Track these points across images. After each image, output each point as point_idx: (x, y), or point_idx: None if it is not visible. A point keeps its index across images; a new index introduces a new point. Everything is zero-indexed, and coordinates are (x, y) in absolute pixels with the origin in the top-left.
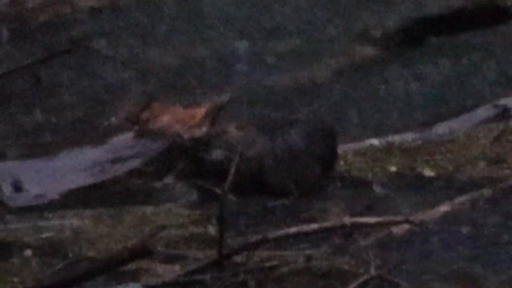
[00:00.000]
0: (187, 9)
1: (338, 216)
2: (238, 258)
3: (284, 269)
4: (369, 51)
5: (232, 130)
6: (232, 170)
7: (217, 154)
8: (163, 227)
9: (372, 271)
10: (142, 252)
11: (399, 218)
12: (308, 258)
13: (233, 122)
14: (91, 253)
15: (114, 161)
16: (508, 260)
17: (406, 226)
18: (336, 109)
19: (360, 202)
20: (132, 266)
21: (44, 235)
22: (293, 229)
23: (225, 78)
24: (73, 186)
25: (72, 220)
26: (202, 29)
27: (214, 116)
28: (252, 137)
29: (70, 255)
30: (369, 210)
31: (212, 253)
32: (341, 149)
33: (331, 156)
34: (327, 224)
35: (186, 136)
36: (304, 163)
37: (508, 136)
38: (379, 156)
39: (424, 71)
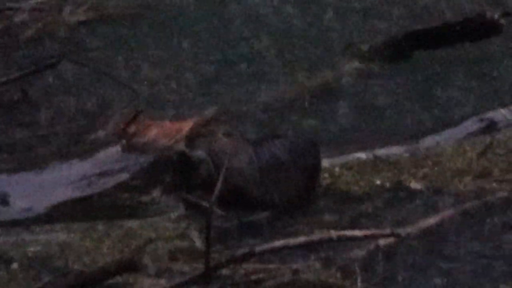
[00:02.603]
0: (179, 21)
1: (324, 230)
2: (224, 272)
3: (271, 282)
4: (356, 64)
5: (220, 135)
6: (219, 184)
7: (201, 154)
8: (150, 241)
9: (359, 284)
10: (129, 265)
11: (385, 231)
12: (295, 271)
13: (221, 128)
14: (78, 267)
15: (101, 174)
16: (495, 274)
17: (392, 239)
18: (321, 123)
19: (347, 215)
20: (119, 280)
21: (31, 249)
22: (279, 243)
23: (210, 95)
24: (60, 199)
25: (59, 234)
26: (191, 45)
27: (200, 130)
28: (238, 147)
29: (57, 269)
30: (355, 223)
31: (198, 267)
32: (327, 162)
33: (315, 169)
34: (313, 237)
35: (173, 150)
36: (288, 175)
37: (495, 150)
38: (366, 170)
39: (411, 84)
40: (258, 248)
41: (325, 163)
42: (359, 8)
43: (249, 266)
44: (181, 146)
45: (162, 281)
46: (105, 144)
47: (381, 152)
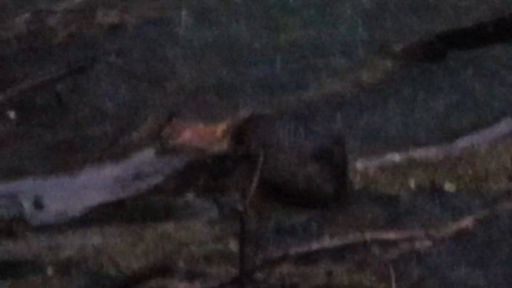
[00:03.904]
0: (206, 26)
1: (359, 232)
2: (259, 275)
3: (306, 285)
4: (389, 64)
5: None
6: (254, 186)
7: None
8: (184, 244)
9: (394, 287)
10: (163, 269)
11: (420, 233)
12: (330, 274)
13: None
14: (112, 271)
15: (135, 177)
16: None
17: (427, 241)
18: (355, 124)
19: (381, 217)
20: (153, 283)
21: (65, 253)
22: (314, 245)
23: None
24: (94, 203)
25: (93, 238)
26: (220, 49)
27: (235, 132)
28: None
29: (92, 273)
30: (390, 225)
31: (233, 270)
32: (361, 164)
33: (337, 167)
34: (348, 239)
35: (207, 152)
36: (297, 163)
37: None
38: (400, 171)
39: (446, 85)
40: (292, 251)
41: (359, 165)
42: (392, 9)
43: (283, 269)
44: (216, 148)
45: (196, 285)
46: (139, 147)
47: (416, 153)
